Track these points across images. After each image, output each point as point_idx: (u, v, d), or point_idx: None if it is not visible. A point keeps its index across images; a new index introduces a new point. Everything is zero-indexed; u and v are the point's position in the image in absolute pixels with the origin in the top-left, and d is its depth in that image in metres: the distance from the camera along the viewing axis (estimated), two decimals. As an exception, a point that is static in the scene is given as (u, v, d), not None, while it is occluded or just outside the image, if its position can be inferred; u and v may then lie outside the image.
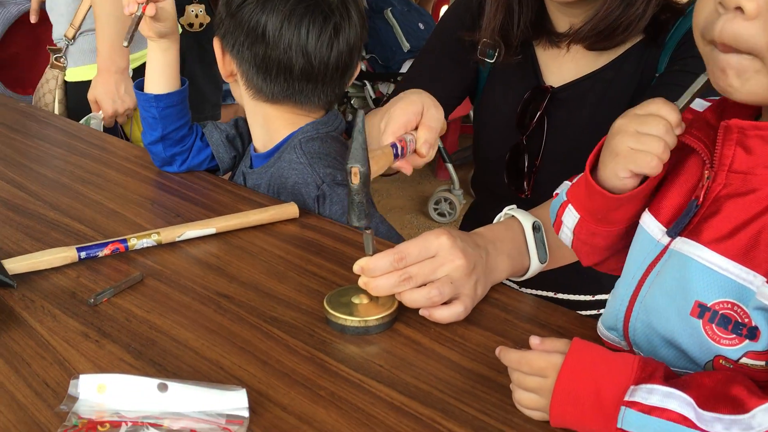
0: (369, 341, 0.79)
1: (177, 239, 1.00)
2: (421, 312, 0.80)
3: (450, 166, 3.32)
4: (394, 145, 0.90)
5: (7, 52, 2.06)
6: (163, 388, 0.66)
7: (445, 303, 0.80)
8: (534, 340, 0.66)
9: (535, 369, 0.64)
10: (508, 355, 0.67)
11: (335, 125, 1.17)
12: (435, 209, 3.34)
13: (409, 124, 0.93)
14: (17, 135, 1.44)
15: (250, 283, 0.91)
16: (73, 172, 1.25)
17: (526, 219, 0.91)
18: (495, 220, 0.95)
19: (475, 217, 1.38)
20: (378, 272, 0.79)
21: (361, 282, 0.81)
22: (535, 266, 0.91)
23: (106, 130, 1.67)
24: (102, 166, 1.29)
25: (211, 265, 0.95)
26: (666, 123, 0.68)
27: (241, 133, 1.27)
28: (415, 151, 0.93)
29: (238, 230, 1.04)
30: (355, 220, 0.79)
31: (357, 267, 0.80)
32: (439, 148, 3.34)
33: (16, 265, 0.91)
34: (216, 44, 1.14)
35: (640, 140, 0.68)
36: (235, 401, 0.66)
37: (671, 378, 0.60)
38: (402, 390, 0.71)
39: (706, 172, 0.67)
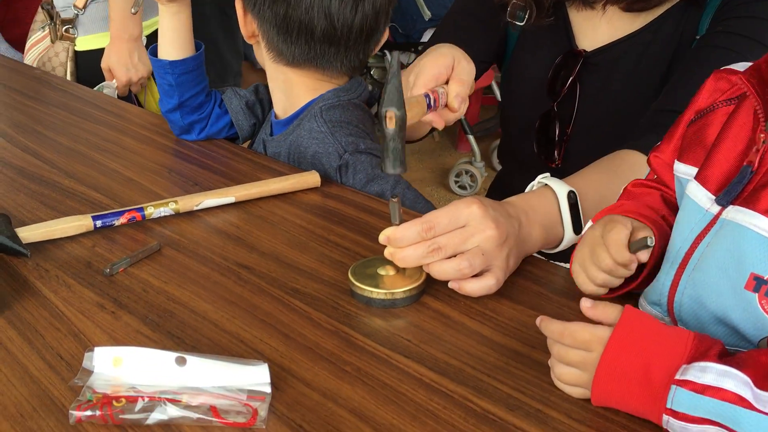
0: (396, 315, 0.75)
1: (195, 208, 0.97)
2: (450, 285, 0.76)
3: (471, 137, 3.26)
4: (426, 95, 0.85)
5: (12, 12, 2.02)
6: (181, 361, 0.63)
7: (476, 275, 0.76)
8: (585, 303, 0.62)
9: (579, 341, 0.60)
10: (549, 326, 0.63)
11: (358, 92, 1.12)
12: (456, 182, 3.29)
13: (440, 76, 0.88)
14: (32, 102, 1.40)
15: (270, 253, 0.87)
16: (89, 139, 1.22)
17: (560, 188, 0.86)
18: (527, 189, 0.90)
19: (502, 188, 1.33)
20: (405, 242, 0.75)
21: (387, 253, 0.77)
22: (569, 237, 0.86)
23: (120, 99, 1.64)
24: (118, 134, 1.26)
25: (231, 234, 0.92)
26: (611, 263, 0.69)
27: (261, 99, 1.23)
28: (446, 105, 0.89)
29: (258, 199, 1.01)
30: (390, 167, 0.75)
31: (383, 237, 0.77)
32: (460, 119, 3.27)
33: (30, 233, 0.88)
34: (238, 3, 1.09)
35: (587, 265, 0.72)
36: (257, 376, 0.62)
37: (725, 356, 0.56)
38: (431, 366, 0.67)
39: (762, 135, 0.62)
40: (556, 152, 1.17)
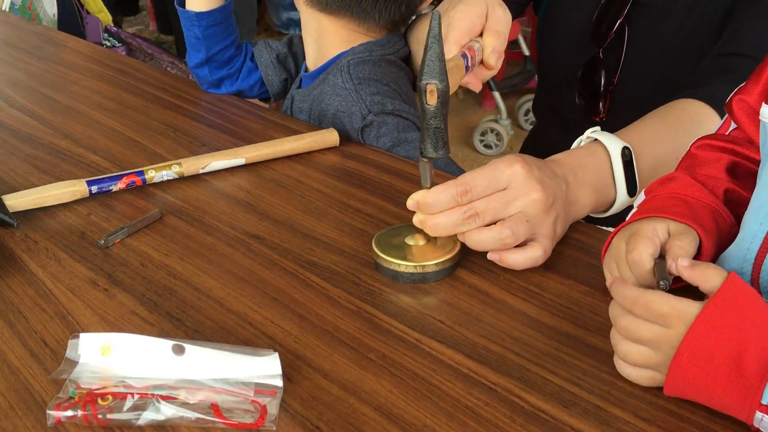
0: (426, 291, 0.66)
1: (201, 171, 0.87)
2: (489, 256, 0.66)
3: (497, 94, 3.12)
4: (464, 56, 0.74)
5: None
6: (179, 350, 0.54)
7: (519, 245, 0.66)
8: (683, 262, 0.53)
9: (655, 314, 0.50)
10: (622, 290, 0.53)
11: (395, 48, 1.01)
12: (481, 140, 3.16)
13: (473, 29, 0.77)
14: (31, 59, 1.31)
15: (284, 221, 0.78)
16: (89, 97, 1.13)
17: (613, 143, 0.75)
18: (574, 145, 0.80)
19: (538, 146, 1.22)
20: (437, 208, 0.65)
21: (416, 220, 0.67)
22: (622, 200, 0.76)
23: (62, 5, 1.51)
24: (121, 91, 1.16)
25: (240, 200, 0.82)
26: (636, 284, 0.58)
27: (294, 53, 1.13)
28: (481, 62, 0.78)
29: (270, 161, 0.91)
30: (431, 150, 0.65)
31: (411, 202, 0.67)
32: (485, 75, 3.13)
33: (18, 200, 0.79)
34: None
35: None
36: (267, 367, 0.53)
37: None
38: (469, 352, 0.58)
39: None
40: (600, 104, 1.05)
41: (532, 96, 3.45)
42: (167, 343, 0.54)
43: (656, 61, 1.01)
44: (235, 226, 0.77)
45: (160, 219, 0.79)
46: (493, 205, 0.65)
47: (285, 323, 0.62)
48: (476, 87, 0.79)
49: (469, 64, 0.75)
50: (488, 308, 0.63)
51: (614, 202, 0.77)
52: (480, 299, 0.64)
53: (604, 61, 1.03)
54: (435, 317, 0.62)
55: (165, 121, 1.04)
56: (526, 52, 3.30)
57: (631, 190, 0.76)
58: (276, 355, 0.54)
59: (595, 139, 0.77)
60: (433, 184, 0.67)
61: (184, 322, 0.62)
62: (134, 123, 1.04)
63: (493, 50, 0.78)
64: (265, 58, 1.11)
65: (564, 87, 1.10)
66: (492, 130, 3.15)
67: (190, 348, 0.54)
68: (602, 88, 1.05)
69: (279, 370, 0.53)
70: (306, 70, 1.07)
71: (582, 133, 0.79)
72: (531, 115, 3.32)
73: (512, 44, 3.53)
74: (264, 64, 1.11)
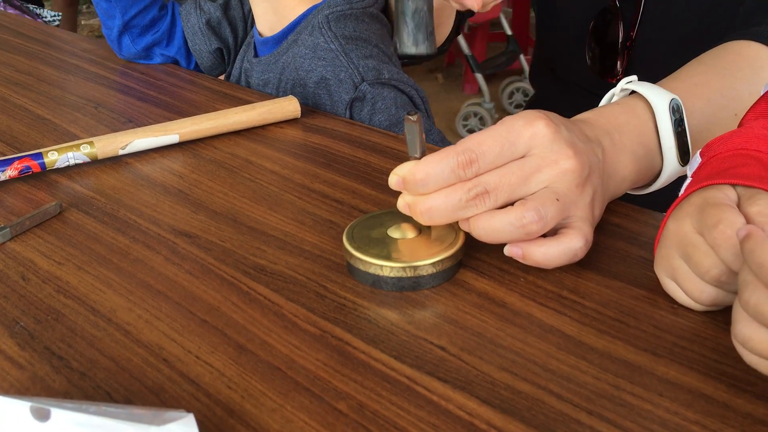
0: (419, 303, 0.47)
1: (120, 152, 0.68)
2: (507, 250, 0.47)
3: (479, 76, 2.94)
4: None
5: None
6: (41, 415, 0.35)
7: (547, 234, 0.48)
8: None
9: None
10: (758, 251, 0.35)
11: None
12: (464, 125, 2.98)
13: None
14: (-65, 31, 1.10)
15: (224, 213, 0.58)
16: (-4, 71, 0.93)
17: (658, 95, 0.56)
18: (604, 101, 0.61)
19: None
20: (431, 185, 0.46)
21: (402, 204, 0.48)
22: (671, 169, 0.57)
23: None
24: (38, 63, 0.96)
25: (169, 188, 0.63)
26: (722, 271, 0.41)
27: (232, 18, 0.93)
28: None
29: (211, 138, 0.72)
30: (409, 43, 0.47)
31: (395, 178, 0.48)
32: (466, 56, 2.95)
33: None
34: None
35: (683, 278, 0.44)
36: (176, 437, 0.34)
37: None
38: (486, 396, 0.39)
39: None
40: (618, 62, 0.87)
41: (516, 78, 3.27)
42: (23, 405, 0.35)
43: (682, 10, 0.83)
44: (158, 222, 0.57)
45: (59, 215, 0.59)
46: (509, 179, 0.46)
47: (216, 358, 0.42)
48: (474, 4, 0.60)
49: None
50: (507, 326, 0.44)
51: (660, 173, 0.58)
52: (495, 313, 0.46)
53: (620, 11, 0.84)
54: (433, 342, 0.43)
55: (85, 95, 0.84)
56: (509, 32, 3.12)
57: (684, 156, 0.57)
58: (190, 417, 0.34)
59: (632, 93, 0.59)
60: (424, 153, 0.48)
61: (68, 362, 0.43)
62: (47, 98, 0.84)
63: None
64: (192, 22, 0.91)
65: (570, 45, 0.92)
66: (475, 114, 2.97)
67: (57, 413, 0.35)
68: (620, 44, 0.86)
69: (197, 441, 0.34)
70: (260, 35, 0.88)
71: (594, 102, 0.60)
72: (516, 97, 3.14)
73: (494, 25, 3.35)
74: (190, 29, 0.92)
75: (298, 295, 0.48)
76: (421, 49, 0.47)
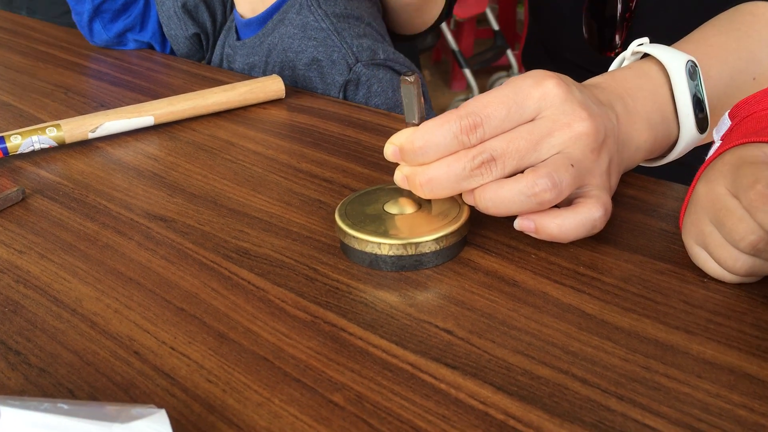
0: (421, 284, 0.42)
1: (90, 136, 0.63)
2: (518, 224, 0.43)
3: (467, 71, 2.90)
4: None
5: None
6: (-14, 414, 0.30)
7: (561, 205, 0.43)
8: None
9: None
10: None
11: None
12: (453, 123, 2.94)
13: None
14: None
15: (204, 195, 0.53)
16: (-39, 59, 0.87)
17: (673, 57, 0.52)
18: (614, 65, 0.57)
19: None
20: (432, 153, 0.42)
21: (399, 177, 0.44)
22: (689, 137, 0.53)
23: None
24: (5, 51, 0.91)
25: (144, 171, 0.58)
26: (759, 237, 0.37)
27: (210, 1, 0.88)
28: None
29: (190, 120, 0.67)
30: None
31: (392, 148, 0.43)
32: (454, 52, 2.91)
33: None
34: None
35: (714, 246, 0.39)
36: (146, 436, 0.29)
37: None
38: (502, 383, 0.34)
39: None
40: (617, 35, 0.83)
41: (503, 73, 3.24)
42: (-35, 404, 0.30)
43: None
44: (130, 206, 0.52)
45: (22, 201, 0.54)
46: (518, 144, 0.42)
47: (194, 349, 0.38)
48: None
49: None
50: (520, 306, 0.40)
51: (675, 142, 0.54)
52: (506, 292, 0.41)
53: None
54: (439, 325, 0.39)
55: (55, 81, 0.79)
56: (496, 27, 3.08)
57: (703, 124, 0.53)
58: (162, 414, 0.29)
59: (644, 56, 0.55)
60: (423, 119, 0.43)
61: (26, 357, 0.38)
62: (13, 85, 0.78)
63: None
64: (167, 6, 0.86)
65: (566, 20, 0.88)
66: (464, 111, 2.93)
67: (7, 413, 0.30)
68: (618, 16, 0.82)
69: (170, 441, 0.29)
70: (242, 16, 0.83)
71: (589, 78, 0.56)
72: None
73: (481, 21, 3.31)
74: (165, 13, 0.87)
75: (286, 279, 0.43)
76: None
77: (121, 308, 0.41)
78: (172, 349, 0.38)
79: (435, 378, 0.35)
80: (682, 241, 0.42)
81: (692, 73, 0.52)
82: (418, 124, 0.43)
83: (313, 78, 0.75)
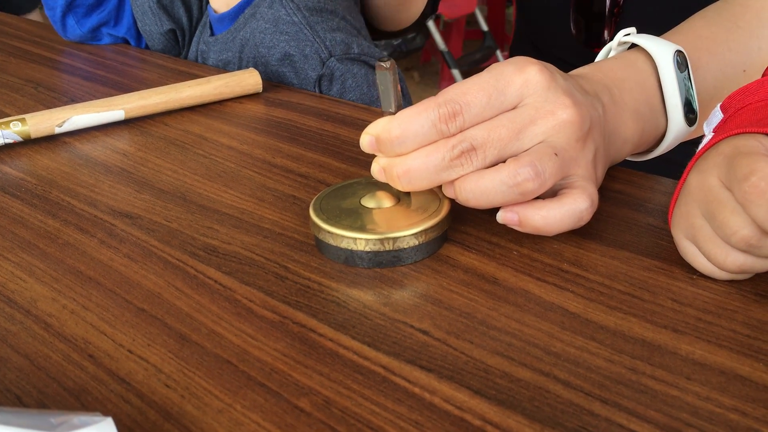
0: (397, 282, 0.40)
1: (57, 131, 0.60)
2: (500, 216, 0.41)
3: (456, 72, 2.89)
4: None
5: None
6: None
7: (544, 196, 0.41)
8: None
9: None
10: None
11: None
12: (442, 124, 2.92)
13: None
14: None
15: (173, 191, 0.51)
16: (-71, 54, 0.84)
17: (660, 47, 0.50)
18: (600, 56, 0.55)
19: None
20: (410, 143, 0.39)
21: (376, 168, 0.41)
22: (677, 130, 0.51)
23: None
24: (-24, 47, 0.88)
25: (111, 166, 0.56)
26: (752, 232, 0.35)
27: None
28: None
29: (162, 114, 0.64)
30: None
31: (368, 138, 0.41)
32: (442, 52, 2.90)
33: None
34: None
35: (704, 240, 0.37)
36: (91, 448, 0.27)
37: None
38: (480, 387, 0.32)
39: None
40: (606, 31, 0.81)
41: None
42: None
43: None
44: (95, 203, 0.50)
45: (-19, 198, 0.51)
46: (499, 133, 0.40)
47: (153, 352, 0.35)
48: None
49: None
50: (501, 305, 0.38)
51: (663, 135, 0.52)
52: (486, 291, 0.39)
53: None
54: (414, 325, 0.36)
55: (25, 76, 0.77)
56: (485, 28, 3.07)
57: (691, 116, 0.51)
58: (108, 422, 0.27)
59: (632, 45, 0.53)
60: (400, 108, 0.41)
61: (-28, 360, 0.35)
62: (-18, 80, 0.76)
63: None
64: (141, 1, 0.84)
65: (552, 15, 0.86)
66: (452, 112, 2.91)
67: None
68: (607, 12, 0.81)
69: (117, 452, 0.27)
70: (215, 11, 0.81)
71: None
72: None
73: (470, 22, 3.30)
74: (139, 8, 0.84)
75: (255, 277, 0.41)
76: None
77: (78, 309, 0.39)
78: (130, 352, 0.35)
79: (408, 381, 0.33)
80: (671, 236, 0.40)
81: (680, 63, 0.50)
82: (395, 113, 0.41)
83: (287, 73, 0.73)
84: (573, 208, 0.39)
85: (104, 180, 0.53)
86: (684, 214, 0.38)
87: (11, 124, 0.58)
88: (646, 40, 0.51)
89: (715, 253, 0.37)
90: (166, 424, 0.31)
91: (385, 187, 0.43)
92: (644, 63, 0.51)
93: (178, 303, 0.39)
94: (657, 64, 0.50)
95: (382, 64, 0.40)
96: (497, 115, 0.40)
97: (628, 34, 0.52)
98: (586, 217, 0.40)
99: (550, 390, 0.32)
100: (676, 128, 0.51)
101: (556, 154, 0.39)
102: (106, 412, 0.31)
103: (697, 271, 0.39)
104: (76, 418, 0.27)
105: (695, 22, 0.58)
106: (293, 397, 0.32)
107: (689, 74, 0.51)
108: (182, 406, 0.32)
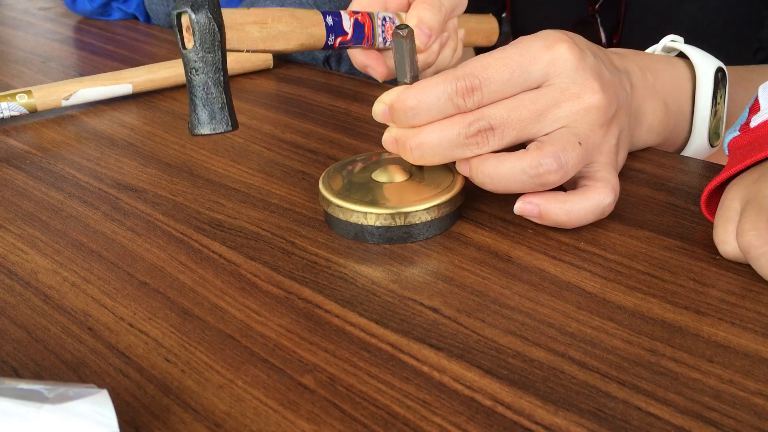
0: (407, 259, 0.39)
1: (64, 104, 0.59)
2: (518, 207, 0.39)
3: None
4: (334, 15, 0.50)
5: None
6: None
7: (565, 186, 0.39)
8: None
9: None
10: None
11: None
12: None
13: None
14: None
15: (179, 165, 0.50)
16: (-62, 28, 0.84)
17: (703, 58, 0.48)
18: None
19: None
20: (424, 114, 0.38)
21: (388, 139, 0.40)
22: (698, 144, 0.49)
23: None
24: (-14, 22, 0.87)
25: (118, 140, 0.55)
26: None
27: None
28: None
29: (171, 89, 0.63)
30: (202, 122, 0.41)
31: (381, 107, 0.40)
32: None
33: None
34: None
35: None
36: (86, 421, 0.26)
37: None
38: (491, 366, 0.31)
39: None
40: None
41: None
42: None
43: (665, 10, 0.74)
44: (100, 176, 0.49)
45: (-15, 169, 0.50)
46: (520, 113, 0.38)
47: (154, 326, 0.34)
48: (378, 73, 0.53)
49: (351, 34, 0.49)
50: (514, 283, 0.36)
51: (682, 147, 0.50)
52: (499, 269, 0.37)
53: (601, 19, 0.76)
54: (424, 303, 0.35)
55: (34, 50, 0.76)
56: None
57: (714, 134, 0.49)
58: (104, 394, 0.26)
59: (675, 51, 0.51)
60: (416, 78, 0.39)
61: (-30, 332, 0.35)
62: (-10, 54, 0.75)
63: (418, 23, 0.51)
64: None
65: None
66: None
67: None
68: (604, 43, 0.78)
69: (113, 424, 0.26)
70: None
71: None
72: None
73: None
74: None
75: (261, 252, 0.39)
76: (219, 128, 0.41)
77: (79, 282, 0.38)
78: (130, 325, 0.34)
79: (417, 360, 0.31)
80: (693, 216, 0.39)
81: (721, 77, 0.48)
82: (410, 83, 0.39)
83: (294, 54, 0.72)
84: (597, 202, 0.38)
85: (110, 153, 0.52)
86: (755, 180, 0.35)
87: (17, 96, 0.57)
88: (690, 49, 0.49)
89: (730, 231, 0.35)
90: (165, 398, 0.30)
91: (398, 160, 0.42)
92: (684, 68, 0.49)
93: (181, 277, 0.38)
94: (696, 73, 0.48)
95: (399, 32, 0.38)
96: (519, 94, 0.38)
97: (676, 39, 0.50)
98: (609, 210, 0.39)
99: (565, 371, 0.30)
100: (698, 143, 0.49)
101: (579, 144, 0.37)
102: (103, 386, 0.30)
103: (717, 252, 0.37)
104: (71, 389, 0.26)
105: (741, 67, 0.55)
106: (297, 374, 0.31)
107: (726, 89, 0.49)
108: (182, 381, 0.31)
